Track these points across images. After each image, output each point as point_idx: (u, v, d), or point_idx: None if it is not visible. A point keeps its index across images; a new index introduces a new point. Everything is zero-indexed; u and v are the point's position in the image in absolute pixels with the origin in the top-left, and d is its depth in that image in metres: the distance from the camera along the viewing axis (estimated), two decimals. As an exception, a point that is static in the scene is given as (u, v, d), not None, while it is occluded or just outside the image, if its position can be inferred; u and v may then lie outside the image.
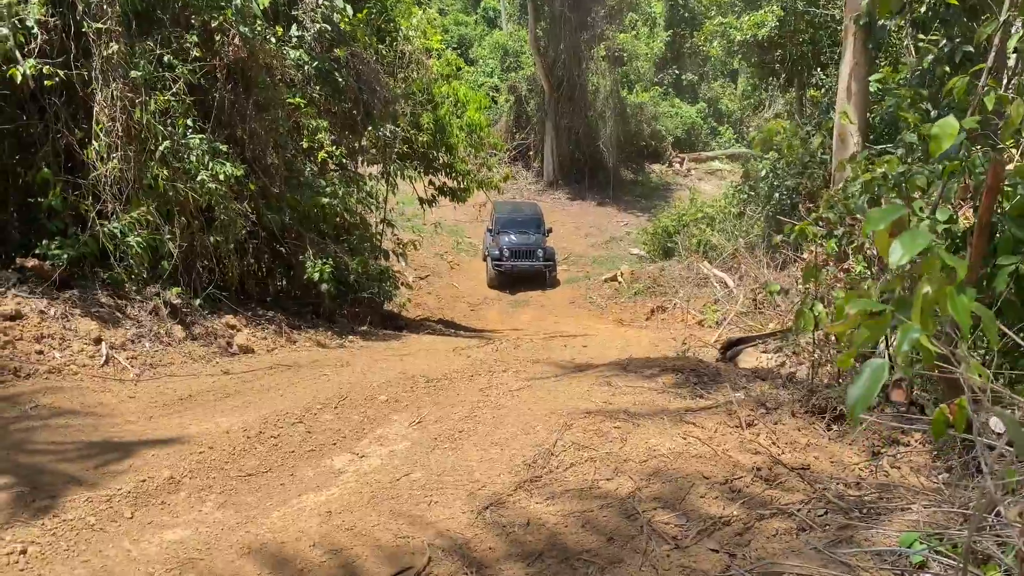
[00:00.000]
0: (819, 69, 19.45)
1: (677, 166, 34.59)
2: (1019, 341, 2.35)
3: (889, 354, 4.00)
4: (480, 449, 4.75)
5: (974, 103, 4.15)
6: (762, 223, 18.86)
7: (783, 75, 22.58)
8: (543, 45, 30.36)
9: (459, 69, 17.20)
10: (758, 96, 29.37)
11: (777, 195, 17.88)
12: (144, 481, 4.38)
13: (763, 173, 18.63)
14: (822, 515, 3.34)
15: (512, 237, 21.19)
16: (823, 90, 18.33)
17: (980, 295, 3.61)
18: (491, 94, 33.90)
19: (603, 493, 3.85)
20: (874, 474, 3.71)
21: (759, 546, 3.19)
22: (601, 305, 19.98)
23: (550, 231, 22.59)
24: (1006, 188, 3.92)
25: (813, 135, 16.02)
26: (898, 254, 1.34)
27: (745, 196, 20.30)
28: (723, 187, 26.11)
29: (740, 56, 23.54)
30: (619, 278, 21.73)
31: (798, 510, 3.39)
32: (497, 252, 20.91)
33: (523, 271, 20.94)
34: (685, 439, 4.35)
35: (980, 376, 1.58)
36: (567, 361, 7.86)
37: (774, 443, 4.16)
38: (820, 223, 4.77)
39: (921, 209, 4.20)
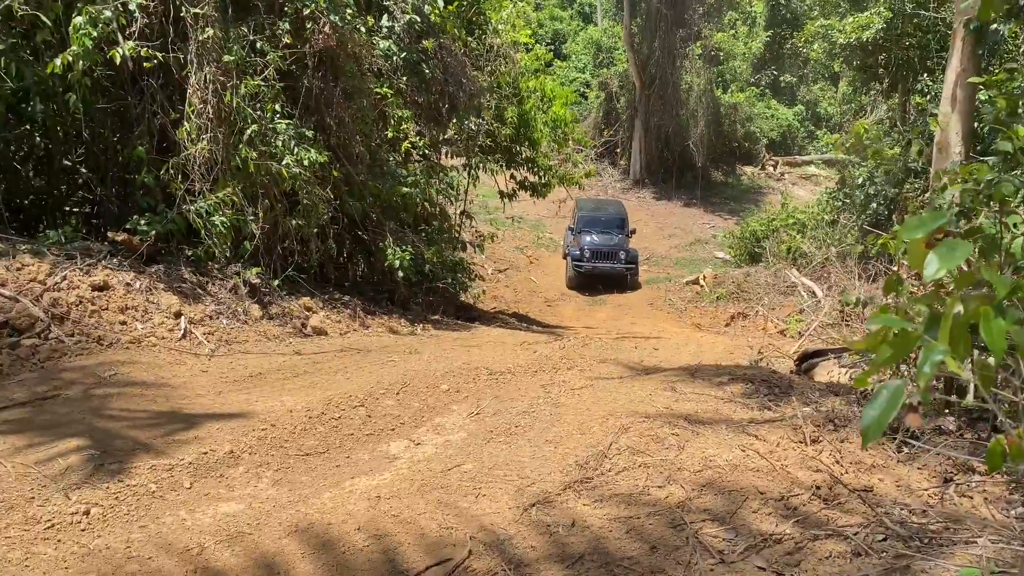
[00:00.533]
0: (925, 75, 18.58)
1: (770, 169, 33.70)
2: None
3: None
4: (534, 446, 4.71)
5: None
6: (856, 232, 18.16)
7: (887, 80, 21.73)
8: (637, 41, 30.01)
9: (548, 64, 17.17)
10: (859, 101, 28.30)
11: (874, 204, 17.21)
12: (205, 453, 4.51)
13: (860, 180, 17.95)
14: (880, 541, 3.17)
15: (594, 237, 20.53)
16: (928, 97, 17.49)
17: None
18: (582, 90, 33.74)
19: (652, 500, 3.76)
20: (942, 502, 3.50)
21: (809, 568, 3.05)
22: (680, 308, 19.63)
23: (634, 232, 21.86)
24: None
25: (914, 142, 15.32)
26: (933, 267, 1.23)
27: (840, 204, 19.60)
28: (817, 193, 25.30)
29: (842, 59, 22.73)
30: (701, 281, 21.31)
31: (855, 533, 3.22)
32: (577, 252, 20.27)
33: (603, 272, 20.25)
34: (744, 451, 4.21)
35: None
36: (635, 363, 7.73)
37: (837, 461, 3.97)
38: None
39: (1016, 225, 3.94)
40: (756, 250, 21.85)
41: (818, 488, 3.67)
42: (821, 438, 4.32)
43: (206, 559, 3.41)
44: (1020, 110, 5.96)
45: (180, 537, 3.60)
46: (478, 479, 4.22)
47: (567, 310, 18.86)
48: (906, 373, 5.43)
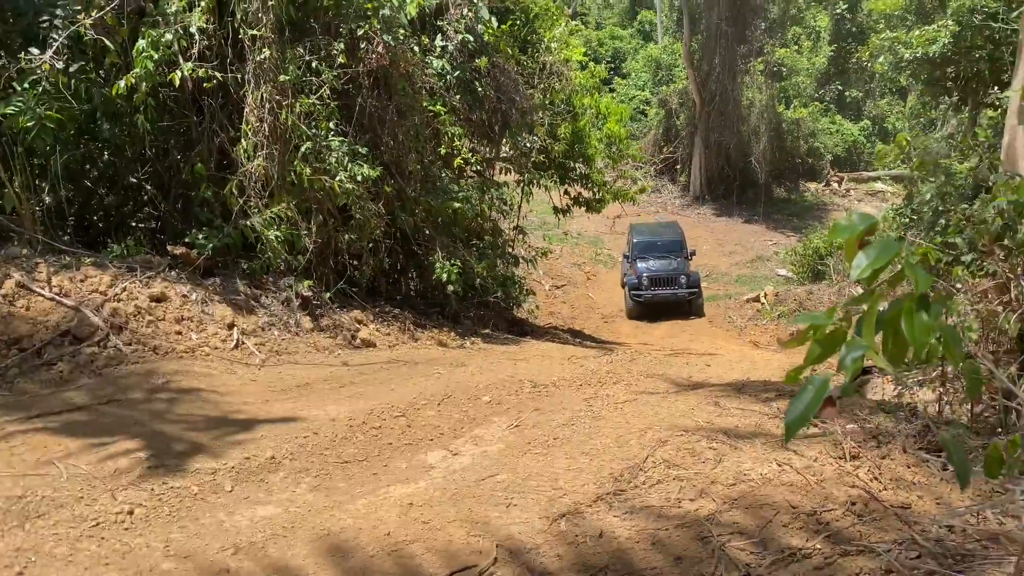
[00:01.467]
0: (996, 87, 18.00)
1: (835, 185, 32.94)
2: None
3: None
4: (569, 458, 4.70)
5: None
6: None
7: (956, 93, 21.16)
8: (697, 58, 29.83)
9: (606, 81, 17.21)
10: (929, 115, 27.52)
11: (943, 221, 16.69)
12: (248, 459, 4.64)
13: (927, 196, 17.45)
14: (914, 558, 3.07)
15: (651, 263, 19.45)
16: (1001, 110, 16.95)
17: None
18: (641, 107, 33.65)
19: (681, 513, 3.72)
20: (984, 521, 3.38)
21: (838, 584, 2.98)
22: (740, 326, 19.34)
23: (693, 254, 20.70)
24: None
25: (985, 157, 14.88)
26: (862, 266, 1.24)
27: (907, 220, 19.05)
28: (883, 210, 24.68)
29: (909, 73, 22.21)
30: (762, 299, 20.96)
31: (887, 550, 3.13)
32: (635, 280, 19.18)
33: (664, 300, 19.14)
34: (780, 466, 4.13)
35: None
36: (683, 378, 7.65)
37: (876, 478, 3.86)
38: (948, 248, 4.41)
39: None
40: (819, 267, 21.35)
41: (853, 504, 3.58)
42: (861, 454, 4.21)
43: (239, 560, 3.50)
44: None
45: (216, 537, 3.71)
46: (511, 489, 4.24)
47: (624, 327, 18.73)
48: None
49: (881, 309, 1.26)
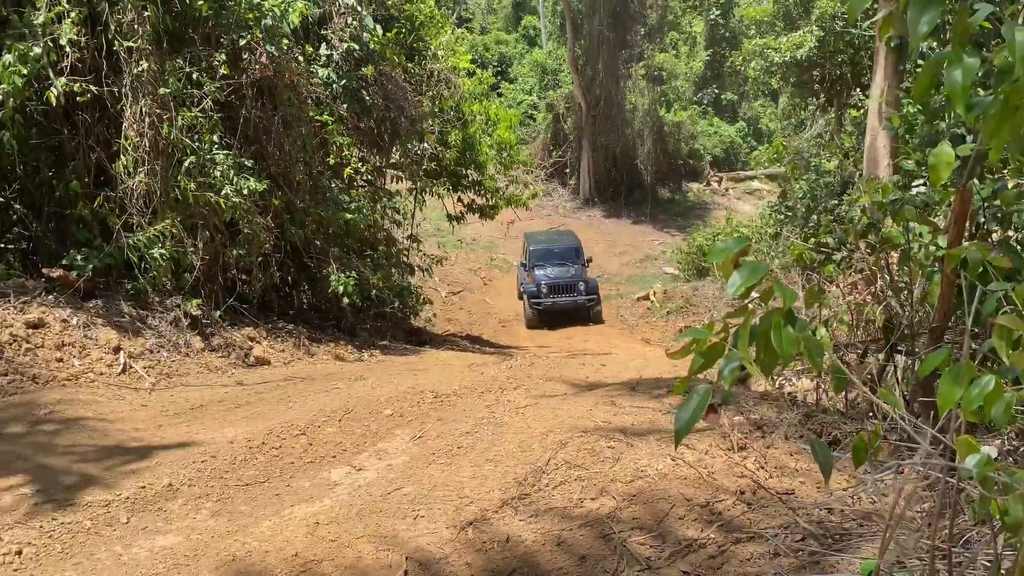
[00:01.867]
0: (859, 89, 19.24)
1: (715, 185, 34.40)
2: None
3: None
4: (474, 465, 4.77)
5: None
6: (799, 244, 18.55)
7: (822, 95, 22.45)
8: (581, 64, 30.53)
9: (494, 87, 17.42)
10: (799, 116, 29.10)
11: (815, 216, 17.68)
12: (143, 487, 4.50)
13: (800, 194, 18.45)
14: (798, 541, 3.30)
15: (548, 271, 19.45)
16: (863, 111, 18.11)
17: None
18: (530, 112, 34.15)
19: (584, 513, 3.85)
20: (859, 501, 3.66)
21: (731, 570, 3.16)
22: (632, 324, 19.92)
23: (590, 260, 20.73)
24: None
25: (834, 156, 15.93)
26: (736, 284, 1.37)
27: (782, 216, 20.08)
28: (760, 207, 25.94)
29: (779, 76, 23.45)
30: (651, 297, 21.66)
31: (775, 535, 3.35)
32: (533, 288, 19.02)
33: (563, 308, 19.06)
34: (674, 461, 4.33)
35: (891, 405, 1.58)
36: (580, 380, 7.84)
37: (762, 467, 4.11)
38: (820, 247, 4.75)
39: (921, 235, 4.16)
40: (703, 265, 22.22)
41: (742, 493, 3.80)
42: (748, 445, 4.46)
43: (139, 593, 3.41)
44: (936, 123, 6.27)
45: (115, 572, 3.60)
46: (417, 501, 4.27)
47: (522, 330, 18.95)
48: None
49: (755, 323, 1.39)
